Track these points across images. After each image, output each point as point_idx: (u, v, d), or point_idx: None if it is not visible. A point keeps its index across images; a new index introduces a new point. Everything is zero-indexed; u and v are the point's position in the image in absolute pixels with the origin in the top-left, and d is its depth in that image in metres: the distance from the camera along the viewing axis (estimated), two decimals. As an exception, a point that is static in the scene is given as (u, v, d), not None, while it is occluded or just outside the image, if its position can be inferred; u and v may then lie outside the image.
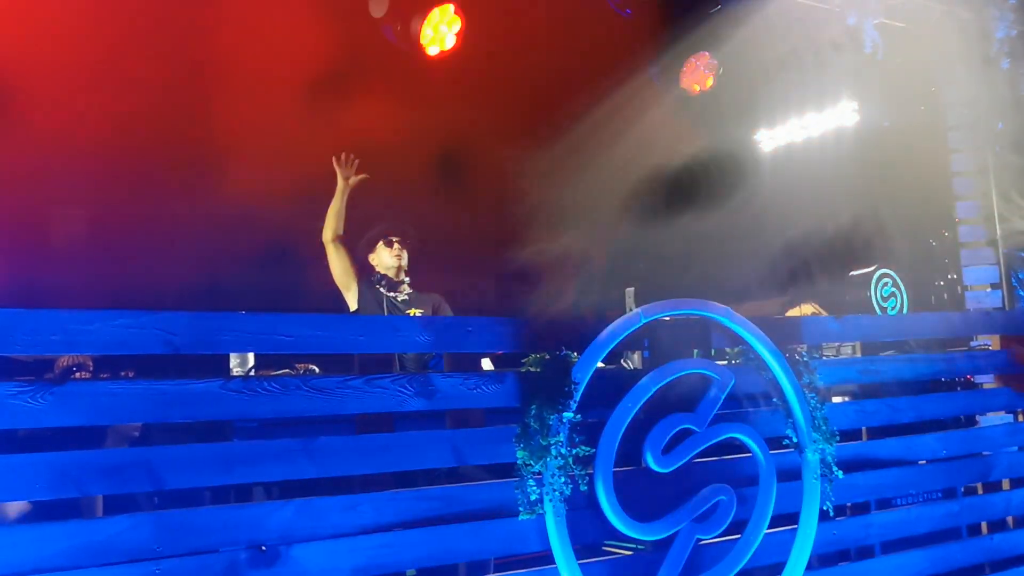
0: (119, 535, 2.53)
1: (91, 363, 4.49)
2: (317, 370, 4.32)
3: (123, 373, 4.46)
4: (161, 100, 5.49)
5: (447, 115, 6.21)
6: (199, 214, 5.91)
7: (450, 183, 5.44)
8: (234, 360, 4.17)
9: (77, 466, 2.51)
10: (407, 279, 5.07)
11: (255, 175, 4.97)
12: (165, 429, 3.69)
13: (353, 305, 4.97)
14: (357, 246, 5.13)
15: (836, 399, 4.63)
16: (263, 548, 2.71)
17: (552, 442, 3.08)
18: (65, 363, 4.44)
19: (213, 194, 5.76)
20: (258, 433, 3.50)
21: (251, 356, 4.26)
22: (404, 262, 5.05)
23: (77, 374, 4.42)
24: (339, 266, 4.94)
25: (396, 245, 5.03)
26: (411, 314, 4.89)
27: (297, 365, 4.59)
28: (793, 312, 5.65)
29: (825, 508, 3.68)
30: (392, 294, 4.97)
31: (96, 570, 2.50)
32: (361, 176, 5.02)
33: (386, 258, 5.04)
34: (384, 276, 5.02)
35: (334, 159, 5.04)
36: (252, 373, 4.18)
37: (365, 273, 5.07)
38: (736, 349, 3.67)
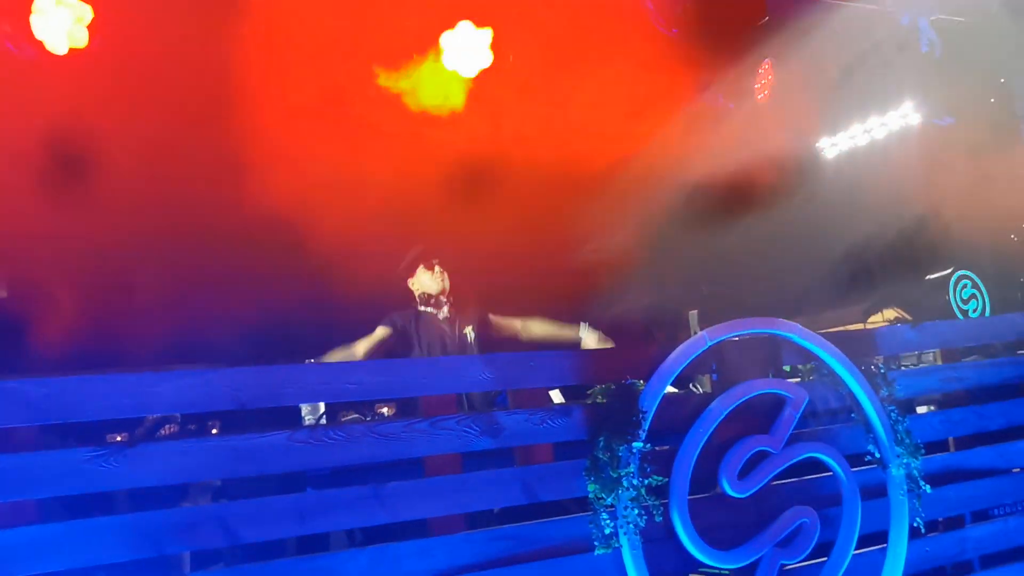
0: (199, 591, 2.57)
1: (179, 415, 4.57)
2: (387, 412, 4.34)
3: (208, 423, 4.55)
4: (223, 164, 5.61)
5: (494, 133, 6.19)
6: (267, 267, 6.02)
7: (500, 204, 5.39)
8: (305, 408, 4.22)
9: (155, 525, 2.56)
10: (447, 302, 4.74)
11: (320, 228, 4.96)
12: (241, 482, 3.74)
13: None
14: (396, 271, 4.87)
15: (920, 409, 4.47)
16: (340, 597, 2.71)
17: (623, 473, 3.03)
18: (153, 418, 4.54)
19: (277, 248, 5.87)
20: (331, 479, 3.52)
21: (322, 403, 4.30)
22: (447, 283, 4.73)
23: (165, 428, 4.52)
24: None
25: (437, 268, 4.74)
26: (466, 332, 4.75)
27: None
28: (875, 319, 5.48)
29: (915, 524, 3.55)
30: (434, 310, 4.67)
31: (180, 626, 2.54)
32: None
33: (427, 282, 4.73)
34: (427, 299, 4.71)
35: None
36: (323, 420, 4.22)
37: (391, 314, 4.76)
38: (808, 365, 3.58)
